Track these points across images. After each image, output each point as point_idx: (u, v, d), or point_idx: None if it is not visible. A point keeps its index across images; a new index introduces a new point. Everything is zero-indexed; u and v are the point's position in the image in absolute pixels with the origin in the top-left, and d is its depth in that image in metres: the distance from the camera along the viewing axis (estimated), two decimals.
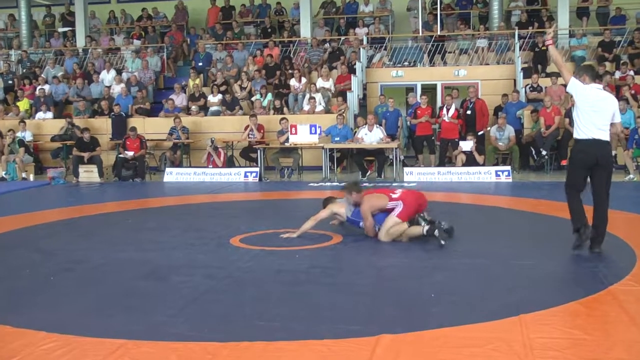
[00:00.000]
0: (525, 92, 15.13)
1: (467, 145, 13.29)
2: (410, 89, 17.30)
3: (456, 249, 6.61)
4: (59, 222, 9.08)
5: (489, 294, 5.01)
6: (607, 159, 6.15)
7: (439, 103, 16.67)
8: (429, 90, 17.44)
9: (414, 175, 13.04)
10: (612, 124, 6.21)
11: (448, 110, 13.98)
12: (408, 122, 15.25)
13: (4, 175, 14.58)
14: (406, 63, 17.47)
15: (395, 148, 13.26)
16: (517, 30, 17.02)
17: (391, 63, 17.67)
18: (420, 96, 15.16)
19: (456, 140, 13.82)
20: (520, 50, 16.55)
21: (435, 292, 5.05)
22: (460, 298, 4.91)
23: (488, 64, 17.04)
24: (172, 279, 5.66)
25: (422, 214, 7.01)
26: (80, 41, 20.72)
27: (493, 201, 10.05)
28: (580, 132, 6.12)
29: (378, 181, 12.90)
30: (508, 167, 12.94)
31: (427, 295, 4.99)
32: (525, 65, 16.36)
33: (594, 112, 6.07)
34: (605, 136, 6.10)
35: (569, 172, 6.32)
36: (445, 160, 14.18)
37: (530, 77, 15.43)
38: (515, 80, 16.08)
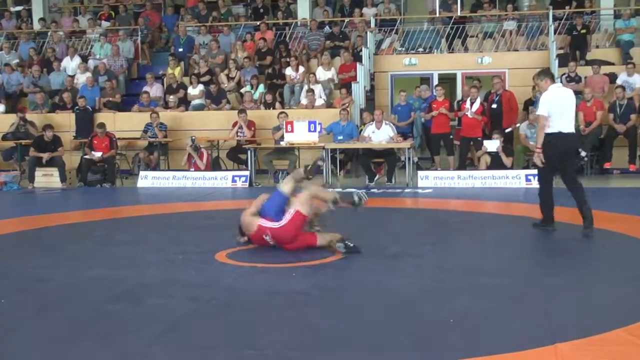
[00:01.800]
0: (561, 82, 15.10)
1: (492, 145, 13.30)
2: (425, 79, 17.32)
3: (479, 267, 6.63)
4: (13, 234, 9.09)
5: (518, 319, 5.01)
6: (573, 148, 8.31)
7: (459, 96, 16.69)
8: (447, 80, 17.48)
9: (430, 179, 13.07)
10: None
11: (472, 103, 13.99)
12: (422, 119, 15.28)
13: None
14: (421, 49, 17.51)
15: (408, 148, 13.29)
16: (551, 11, 17.06)
17: (403, 49, 17.70)
18: (435, 87, 15.18)
19: (479, 139, 13.84)
20: (555, 33, 16.59)
21: (455, 316, 5.05)
22: (484, 324, 4.92)
23: (517, 50, 17.10)
24: (148, 301, 5.67)
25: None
26: (37, 22, 20.74)
27: (522, 210, 10.04)
28: (554, 127, 7.99)
29: (388, 187, 12.93)
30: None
31: (445, 320, 4.99)
32: (561, 51, 16.40)
33: (563, 110, 8.03)
34: (571, 128, 8.12)
35: (547, 164, 8.11)
36: (467, 163, 14.20)
37: (567, 65, 15.45)
38: (549, 69, 16.09)
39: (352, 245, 7.11)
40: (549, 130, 8.03)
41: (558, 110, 8.02)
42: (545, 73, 8.48)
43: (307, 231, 7.52)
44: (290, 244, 7.33)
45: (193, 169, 14.11)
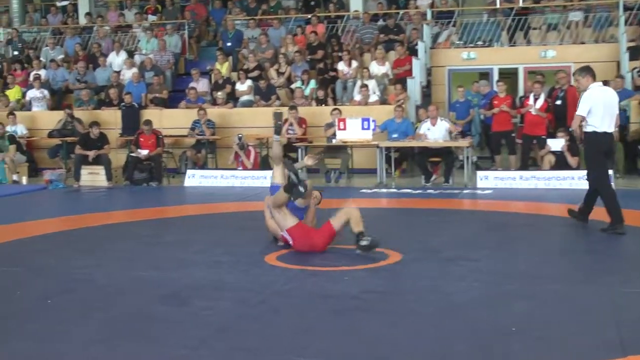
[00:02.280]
0: (632, 77, 14.87)
1: (556, 143, 13.10)
2: (484, 74, 17.15)
3: (541, 273, 6.55)
4: (57, 234, 9.26)
5: (586, 329, 4.93)
6: (613, 148, 9.22)
7: (520, 92, 16.49)
8: (508, 75, 17.27)
9: (490, 180, 12.91)
10: None
11: (536, 100, 13.79)
12: (481, 116, 15.14)
13: None
14: (480, 42, 17.35)
15: (467, 147, 13.16)
16: (621, 0, 16.74)
17: (461, 42, 17.56)
18: (497, 82, 15.02)
19: (543, 137, 13.64)
20: (625, 24, 16.28)
21: (517, 324, 5.00)
22: (549, 333, 4.84)
23: (583, 43, 16.81)
24: (194, 304, 5.72)
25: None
26: (84, 17, 21.10)
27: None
28: (598, 126, 8.26)
29: (445, 187, 12.82)
30: (609, 171, 12.70)
31: (506, 328, 4.94)
32: (632, 43, 16.07)
33: (606, 110, 8.30)
34: (612, 128, 8.53)
35: (599, 164, 8.50)
36: (529, 162, 14.01)
37: (639, 58, 15.15)
38: (618, 63, 15.82)
39: (366, 243, 7.18)
40: (594, 129, 8.30)
41: (601, 110, 8.26)
42: (587, 70, 8.66)
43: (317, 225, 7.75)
44: (317, 248, 7.43)
45: (240, 168, 14.19)
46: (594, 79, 8.54)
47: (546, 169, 13.06)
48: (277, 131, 8.47)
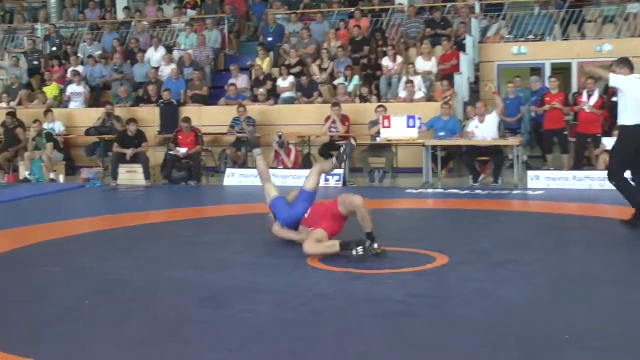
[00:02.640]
0: None
1: (612, 142, 12.91)
2: (536, 70, 16.98)
3: (596, 278, 6.45)
4: (95, 233, 9.38)
5: None
6: None
7: (574, 88, 16.30)
8: (561, 71, 17.10)
9: (541, 180, 12.80)
10: None
11: (590, 96, 13.63)
12: (532, 114, 14.99)
13: (28, 176, 15.17)
14: (531, 36, 17.21)
15: (517, 146, 13.05)
16: None
17: (512, 36, 17.43)
18: (550, 78, 14.86)
19: (598, 136, 13.49)
20: None
21: (571, 332, 4.92)
22: (607, 342, 4.76)
23: None
24: (234, 306, 5.74)
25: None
26: (122, 12, 21.32)
27: None
28: (630, 119, 8.54)
29: (494, 188, 12.72)
30: None
31: (559, 335, 4.87)
32: None
33: (639, 102, 8.48)
34: None
35: (621, 156, 8.72)
36: (583, 162, 13.85)
37: None
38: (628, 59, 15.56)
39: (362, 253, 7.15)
40: (626, 123, 8.60)
41: (634, 102, 8.51)
42: (626, 62, 8.84)
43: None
44: (330, 218, 7.58)
45: (281, 167, 14.21)
46: (632, 71, 8.74)
47: (601, 169, 12.89)
48: (254, 144, 8.46)
